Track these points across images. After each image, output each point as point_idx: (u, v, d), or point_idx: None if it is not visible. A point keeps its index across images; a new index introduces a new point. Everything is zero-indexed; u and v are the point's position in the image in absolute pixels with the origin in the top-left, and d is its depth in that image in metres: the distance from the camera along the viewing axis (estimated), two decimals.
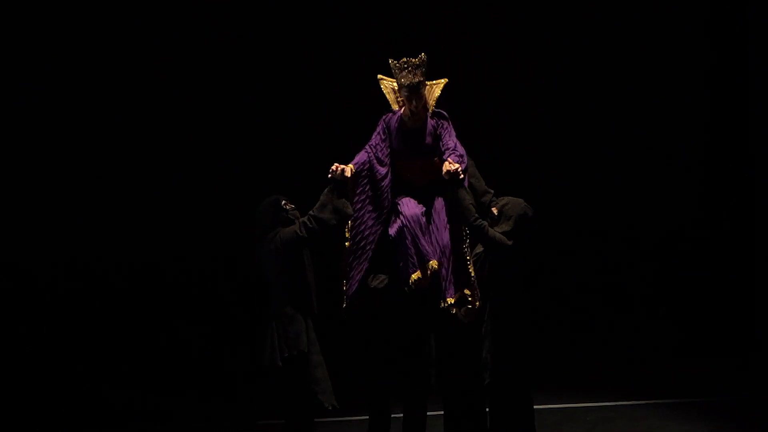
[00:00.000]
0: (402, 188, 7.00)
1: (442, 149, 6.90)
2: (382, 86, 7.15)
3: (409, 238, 6.87)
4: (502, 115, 9.78)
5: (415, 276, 6.82)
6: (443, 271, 6.83)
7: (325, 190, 6.79)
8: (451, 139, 6.92)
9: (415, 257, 6.83)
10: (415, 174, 7.02)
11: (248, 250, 7.25)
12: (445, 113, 7.03)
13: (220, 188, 9.65)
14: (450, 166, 6.71)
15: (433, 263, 6.79)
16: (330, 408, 6.91)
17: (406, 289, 6.86)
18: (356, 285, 6.94)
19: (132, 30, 9.56)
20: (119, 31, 9.55)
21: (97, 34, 9.53)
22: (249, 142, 9.68)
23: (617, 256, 9.91)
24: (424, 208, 6.93)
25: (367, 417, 7.36)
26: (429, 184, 6.99)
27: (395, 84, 7.03)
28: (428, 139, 6.99)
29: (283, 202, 6.98)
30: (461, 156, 6.84)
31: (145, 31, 9.58)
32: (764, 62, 9.84)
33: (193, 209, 9.63)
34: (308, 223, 6.81)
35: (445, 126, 7.00)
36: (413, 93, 6.83)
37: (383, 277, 7.11)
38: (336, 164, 6.82)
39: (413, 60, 6.88)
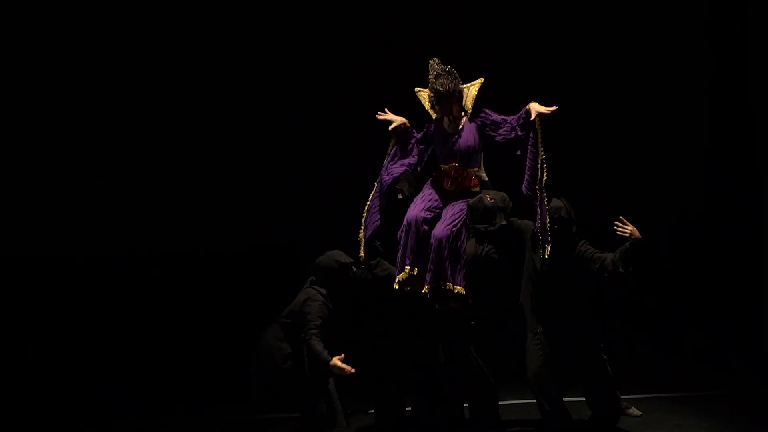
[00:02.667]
0: (435, 190, 7.22)
1: (508, 122, 7.17)
2: (420, 98, 7.37)
3: (404, 240, 7.07)
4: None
5: (400, 276, 7.06)
6: (428, 262, 7.03)
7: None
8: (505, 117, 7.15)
9: (403, 260, 7.07)
10: (448, 177, 7.17)
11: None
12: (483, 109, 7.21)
13: (219, 187, 9.70)
14: (539, 108, 7.07)
15: (412, 271, 7.03)
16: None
17: (395, 285, 6.99)
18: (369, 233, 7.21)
19: (132, 30, 9.60)
20: (119, 31, 9.59)
21: (97, 34, 9.57)
22: (248, 141, 9.72)
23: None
24: (432, 214, 7.07)
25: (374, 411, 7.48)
26: (458, 191, 7.19)
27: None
28: (467, 142, 7.15)
29: (350, 265, 7.16)
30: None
31: (145, 31, 9.61)
32: (764, 62, 9.88)
33: (193, 207, 9.67)
34: (310, 341, 6.98)
35: (489, 113, 7.21)
36: (441, 99, 7.11)
37: (387, 266, 7.25)
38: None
39: (445, 67, 7.13)
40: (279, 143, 9.70)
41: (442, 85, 7.09)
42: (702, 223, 10.06)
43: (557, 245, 7.01)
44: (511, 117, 7.22)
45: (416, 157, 7.29)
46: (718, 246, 10.00)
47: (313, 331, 6.96)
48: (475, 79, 7.44)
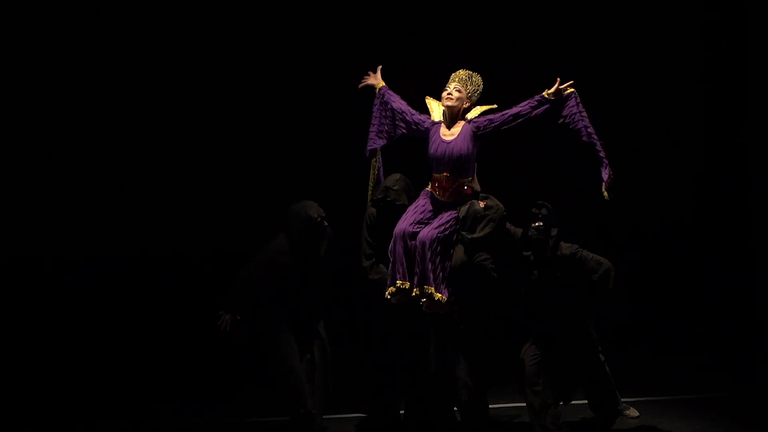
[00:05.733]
0: (429, 200, 7.25)
1: (507, 118, 7.25)
2: (428, 106, 7.44)
3: (393, 253, 7.12)
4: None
5: (389, 290, 7.11)
6: (416, 265, 7.06)
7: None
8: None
9: (393, 273, 7.12)
10: (441, 188, 7.20)
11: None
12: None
13: (218, 188, 9.80)
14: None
15: (403, 284, 7.05)
16: (302, 412, 7.11)
17: (387, 295, 7.07)
18: None
19: (133, 30, 9.68)
20: (120, 32, 9.67)
21: (98, 36, 9.65)
22: (246, 142, 9.80)
23: (609, 252, 9.96)
24: (420, 227, 7.12)
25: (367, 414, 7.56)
26: (451, 201, 7.21)
27: (440, 104, 7.30)
28: (459, 150, 7.15)
29: (320, 220, 7.22)
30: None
31: (146, 31, 9.69)
32: (763, 62, 9.88)
33: (188, 206, 9.76)
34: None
35: (487, 114, 7.26)
36: (455, 78, 7.21)
37: (382, 269, 7.31)
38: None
39: (468, 72, 7.29)
40: (277, 144, 9.78)
41: (463, 80, 7.26)
42: (697, 222, 10.10)
43: (542, 251, 7.09)
44: (520, 106, 7.29)
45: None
46: (713, 246, 10.04)
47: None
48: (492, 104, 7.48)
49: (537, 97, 7.23)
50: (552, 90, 7.20)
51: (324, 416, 7.47)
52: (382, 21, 9.80)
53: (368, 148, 7.55)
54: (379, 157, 7.56)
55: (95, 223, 9.67)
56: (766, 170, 9.73)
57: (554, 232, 7.11)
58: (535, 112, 7.22)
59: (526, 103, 7.23)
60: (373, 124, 7.54)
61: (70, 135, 9.68)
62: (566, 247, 7.17)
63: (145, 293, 9.69)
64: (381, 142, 7.53)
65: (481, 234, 7.04)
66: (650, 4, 10.01)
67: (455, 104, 7.23)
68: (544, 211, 7.14)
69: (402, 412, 7.52)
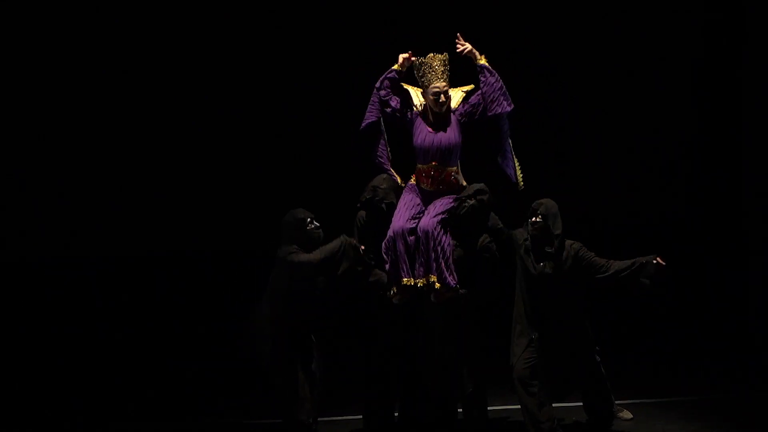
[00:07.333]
0: (415, 193, 7.22)
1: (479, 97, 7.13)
2: (411, 93, 7.33)
3: (392, 252, 7.08)
4: None
5: (393, 290, 7.09)
6: (419, 254, 7.03)
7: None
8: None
9: (393, 274, 7.07)
10: (428, 178, 7.18)
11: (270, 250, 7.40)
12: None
13: (217, 186, 9.85)
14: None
15: (408, 281, 7.02)
16: (309, 421, 7.11)
17: (390, 296, 7.11)
18: None
19: (133, 30, 9.74)
20: (120, 32, 9.74)
21: (99, 34, 9.73)
22: (248, 141, 9.83)
23: (609, 252, 9.97)
24: (416, 222, 7.09)
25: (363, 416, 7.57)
26: (438, 190, 7.18)
27: (418, 91, 7.24)
28: (448, 139, 7.10)
29: (309, 220, 7.14)
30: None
31: (146, 31, 9.74)
32: (762, 61, 9.87)
33: (189, 206, 9.83)
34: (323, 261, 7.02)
35: (467, 99, 7.18)
36: (438, 97, 7.05)
37: (377, 272, 7.31)
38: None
39: (440, 58, 7.08)
40: (277, 144, 9.80)
41: (442, 72, 7.10)
42: (697, 222, 10.09)
43: (542, 247, 7.11)
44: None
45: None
46: (712, 246, 10.03)
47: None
48: (467, 84, 7.42)
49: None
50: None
51: (318, 419, 7.49)
52: (382, 21, 9.80)
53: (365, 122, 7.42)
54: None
55: (95, 223, 9.72)
56: (765, 170, 9.71)
57: (558, 228, 7.11)
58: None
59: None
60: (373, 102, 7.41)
61: (71, 135, 9.73)
62: (569, 244, 7.18)
63: (145, 293, 9.71)
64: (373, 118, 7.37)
65: (465, 208, 7.07)
66: (650, 4, 10.00)
67: (445, 108, 7.16)
68: (542, 209, 7.14)
69: (396, 414, 7.53)
